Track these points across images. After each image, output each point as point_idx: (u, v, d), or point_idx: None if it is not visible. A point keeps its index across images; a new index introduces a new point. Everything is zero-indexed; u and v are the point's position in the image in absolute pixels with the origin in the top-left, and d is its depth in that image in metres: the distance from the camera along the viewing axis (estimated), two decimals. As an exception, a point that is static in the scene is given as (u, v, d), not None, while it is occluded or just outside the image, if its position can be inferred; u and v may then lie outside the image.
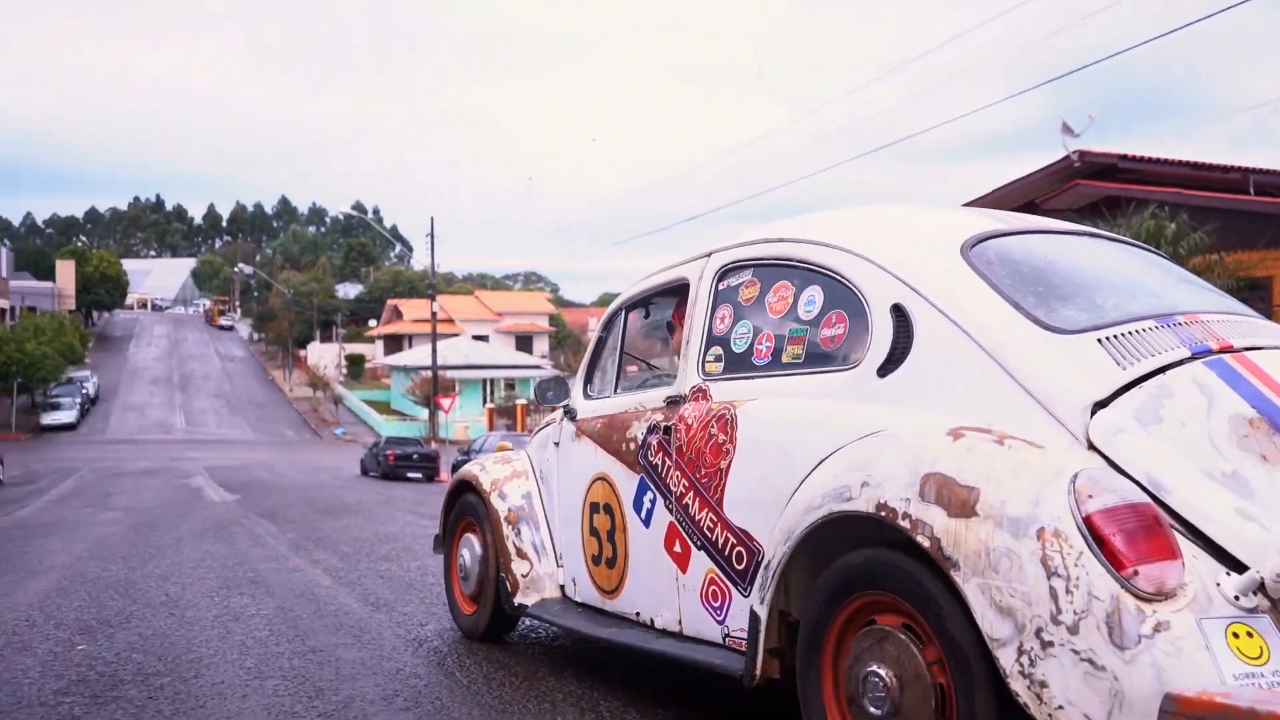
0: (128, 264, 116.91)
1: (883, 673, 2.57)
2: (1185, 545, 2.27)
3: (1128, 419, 2.50)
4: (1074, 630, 2.15)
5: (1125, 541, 2.20)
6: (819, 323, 3.25)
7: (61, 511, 18.43)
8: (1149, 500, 2.33)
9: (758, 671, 2.98)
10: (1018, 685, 2.22)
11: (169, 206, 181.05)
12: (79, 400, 54.70)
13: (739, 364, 3.55)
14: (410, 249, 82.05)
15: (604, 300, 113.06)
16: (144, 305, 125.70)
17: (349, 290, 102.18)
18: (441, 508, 5.41)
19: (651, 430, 3.80)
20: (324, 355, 77.50)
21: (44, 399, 53.87)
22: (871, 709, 2.59)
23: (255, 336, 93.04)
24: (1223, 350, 2.68)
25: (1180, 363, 2.62)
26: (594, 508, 4.22)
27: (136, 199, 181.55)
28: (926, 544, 2.42)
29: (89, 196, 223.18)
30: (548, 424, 4.80)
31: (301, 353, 79.39)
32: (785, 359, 3.36)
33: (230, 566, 8.87)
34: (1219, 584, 2.22)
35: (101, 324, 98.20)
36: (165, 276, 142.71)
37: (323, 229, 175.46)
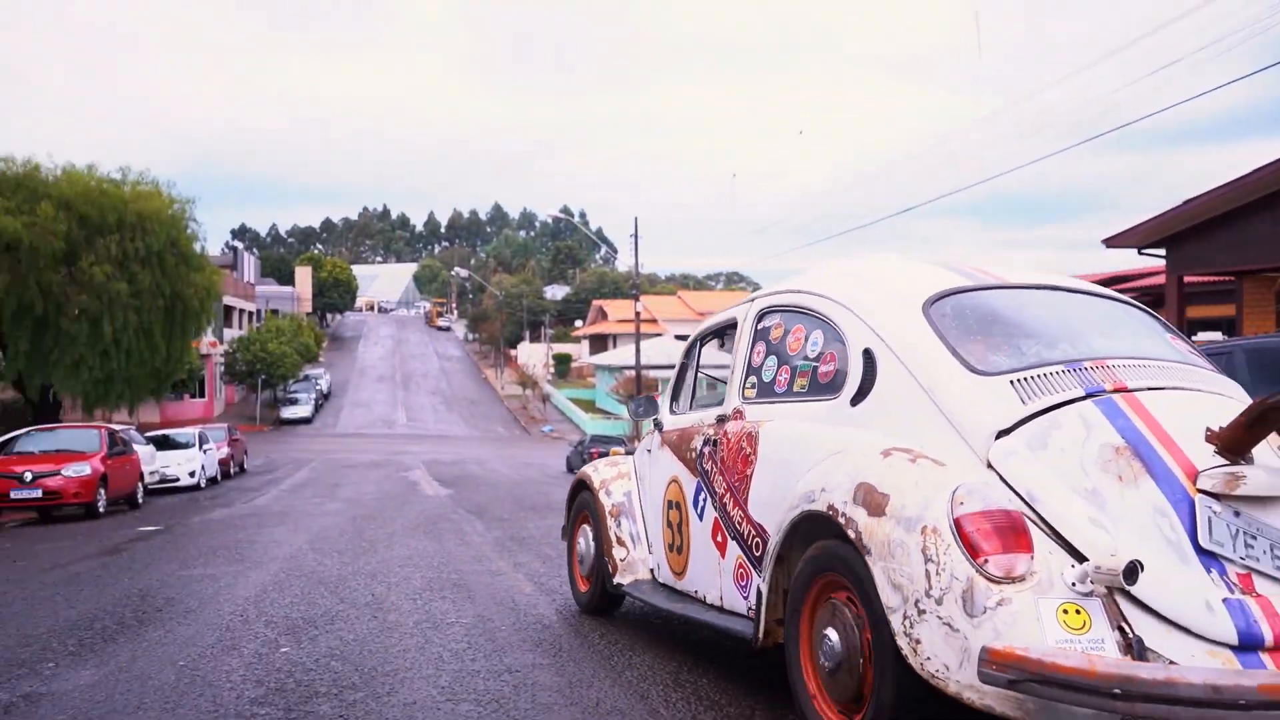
0: (357, 269, 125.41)
1: (833, 635, 3.36)
2: (1044, 542, 2.93)
3: (1020, 445, 3.19)
4: (940, 602, 2.88)
5: (982, 538, 2.90)
6: (819, 359, 4.04)
7: (292, 501, 19.52)
8: (1012, 508, 2.98)
9: (760, 636, 3.84)
10: (902, 642, 2.97)
11: (394, 215, 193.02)
12: (314, 396, 58.92)
13: (766, 390, 4.38)
14: (615, 251, 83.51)
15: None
16: (371, 308, 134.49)
17: (556, 292, 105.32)
18: (566, 501, 6.43)
19: (705, 442, 4.69)
20: (533, 355, 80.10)
21: (283, 394, 58.34)
22: (825, 663, 3.39)
23: (470, 337, 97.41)
24: (1116, 390, 3.31)
25: (1072, 400, 3.27)
26: (669, 504, 5.16)
27: (365, 209, 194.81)
28: (853, 536, 3.20)
29: (324, 208, 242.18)
30: (648, 434, 5.64)
31: (512, 352, 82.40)
32: (795, 388, 4.18)
33: (435, 566, 8.80)
34: (1063, 573, 2.86)
35: (334, 325, 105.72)
36: (390, 281, 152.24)
37: (532, 233, 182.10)
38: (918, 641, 2.94)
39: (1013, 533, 2.93)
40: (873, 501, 3.20)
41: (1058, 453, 3.17)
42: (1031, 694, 2.63)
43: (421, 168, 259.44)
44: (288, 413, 55.59)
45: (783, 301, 4.47)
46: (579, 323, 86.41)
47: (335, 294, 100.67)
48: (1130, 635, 2.79)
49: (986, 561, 2.89)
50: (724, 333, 5.20)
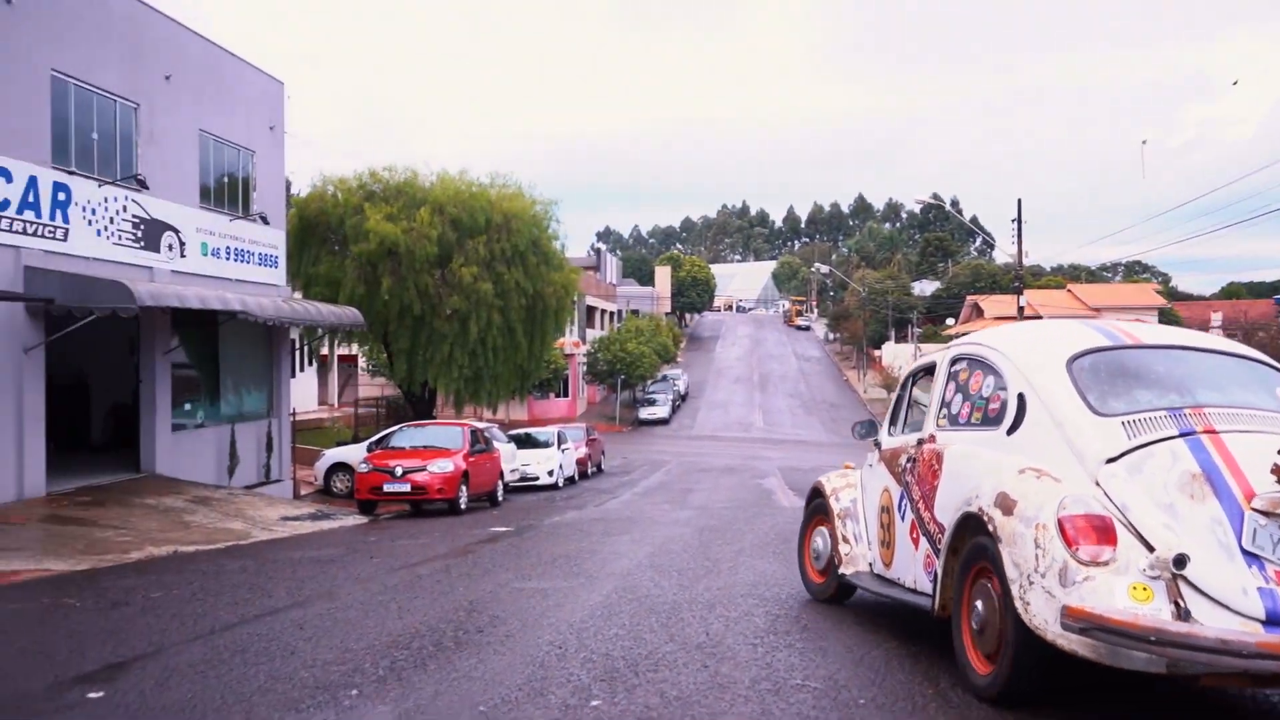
0: (715, 268, 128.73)
1: (980, 605, 4.82)
2: (1127, 540, 4.29)
3: (1121, 469, 4.57)
4: (1043, 576, 4.31)
5: (1076, 533, 4.30)
6: (990, 398, 5.53)
7: (642, 506, 19.56)
8: (1105, 514, 4.37)
9: (937, 606, 5.30)
10: (1018, 604, 4.38)
11: (752, 211, 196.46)
12: (671, 397, 60.74)
13: (953, 420, 5.88)
14: (992, 241, 78.50)
15: (1228, 292, 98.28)
16: (729, 307, 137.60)
17: (925, 287, 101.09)
18: (804, 505, 7.90)
19: (908, 459, 6.17)
20: (898, 355, 77.21)
21: (641, 395, 60.73)
22: (975, 625, 4.86)
23: (830, 336, 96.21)
24: (1205, 431, 4.63)
25: (1168, 439, 4.63)
26: (883, 509, 6.53)
27: (724, 206, 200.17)
28: (992, 530, 4.66)
29: (684, 207, 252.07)
30: (870, 451, 7.02)
31: (876, 352, 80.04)
32: (972, 419, 5.67)
33: (783, 600, 7.82)
34: (1138, 562, 4.21)
35: (692, 325, 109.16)
36: (748, 279, 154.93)
37: (898, 225, 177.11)
38: (1028, 604, 4.33)
39: (1100, 531, 4.30)
40: (1006, 504, 4.62)
41: (1149, 476, 4.50)
42: (1097, 639, 4.00)
43: (780, 163, 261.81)
44: (645, 413, 57.62)
45: (969, 352, 5.94)
46: (950, 321, 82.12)
47: (693, 293, 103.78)
48: (1182, 607, 4.06)
49: (1078, 550, 4.27)
50: (926, 373, 6.60)
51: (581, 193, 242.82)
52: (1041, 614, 4.26)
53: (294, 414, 24.21)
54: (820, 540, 7.48)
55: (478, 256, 27.05)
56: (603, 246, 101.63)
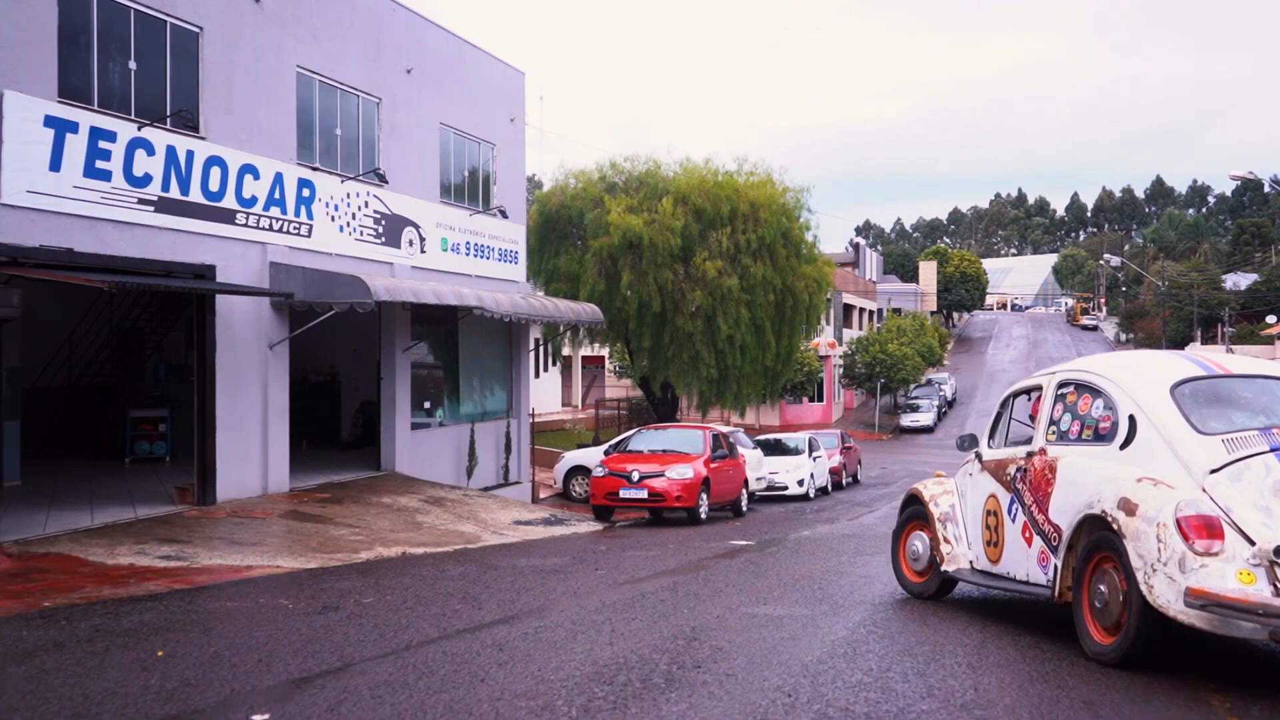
0: (987, 263, 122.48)
1: (1103, 589, 5.97)
2: (1233, 535, 5.44)
3: (1224, 478, 5.74)
4: (1165, 565, 5.45)
5: (1192, 530, 5.42)
6: (1100, 418, 6.71)
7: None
8: (1212, 514, 5.52)
9: (1056, 594, 6.53)
10: (1143, 588, 5.52)
11: (1030, 200, 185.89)
12: (936, 403, 57.82)
13: (1063, 436, 7.06)
14: (1325, 223, 69.70)
15: None
16: (1003, 305, 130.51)
17: (1239, 280, 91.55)
18: (899, 511, 9.06)
19: (1018, 469, 7.32)
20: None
21: (904, 400, 58.28)
22: (1097, 604, 6.02)
23: (1122, 336, 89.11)
24: None
25: (1261, 453, 5.84)
26: (988, 513, 7.77)
27: (997, 195, 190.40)
28: (1116, 528, 5.79)
29: (952, 198, 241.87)
30: (966, 462, 8.34)
31: (1177, 355, 73.11)
32: (1083, 435, 6.85)
33: (1049, 659, 6.53)
34: (1243, 553, 5.37)
35: (961, 325, 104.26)
36: (1024, 274, 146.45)
37: (1203, 210, 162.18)
38: (1151, 587, 5.57)
39: (1210, 528, 5.54)
40: (1129, 507, 5.87)
41: (1247, 483, 5.77)
42: (1213, 614, 5.23)
43: (1062, 146, 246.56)
44: (907, 420, 55.23)
45: (1076, 378, 7.20)
46: (1271, 319, 73.76)
47: (962, 290, 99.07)
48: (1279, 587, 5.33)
49: (1194, 543, 5.50)
50: (1030, 393, 7.82)
51: (836, 186, 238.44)
52: (1164, 595, 5.49)
53: (534, 415, 24.51)
54: (919, 543, 8.62)
55: (721, 249, 26.47)
56: (861, 240, 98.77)
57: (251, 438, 15.33)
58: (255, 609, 8.34)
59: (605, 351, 39.39)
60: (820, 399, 54.35)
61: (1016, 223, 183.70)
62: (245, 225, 15.16)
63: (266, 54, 15.64)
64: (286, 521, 14.00)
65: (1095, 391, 6.85)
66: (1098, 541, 6.11)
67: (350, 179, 17.39)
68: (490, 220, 21.77)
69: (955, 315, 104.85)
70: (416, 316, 19.33)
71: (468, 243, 21.04)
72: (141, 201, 13.34)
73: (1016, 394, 8.12)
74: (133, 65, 13.33)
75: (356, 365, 22.81)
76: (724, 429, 22.35)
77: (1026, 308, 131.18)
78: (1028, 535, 7.09)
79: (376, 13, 18.28)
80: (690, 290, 26.21)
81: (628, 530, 17.07)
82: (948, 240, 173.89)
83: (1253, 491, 5.69)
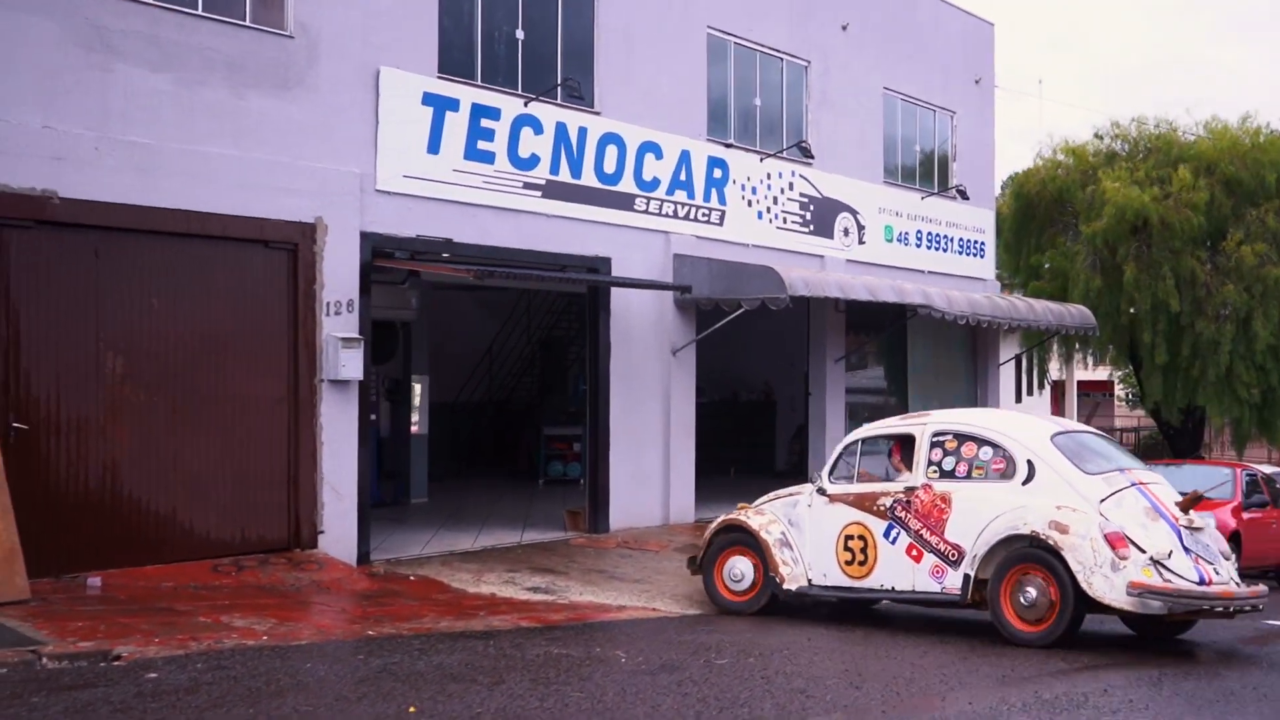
0: None
1: (1030, 589, 8.80)
2: (1133, 546, 8.57)
3: (1111, 505, 8.85)
4: (1100, 567, 8.48)
5: (1114, 542, 8.50)
6: (990, 461, 9.39)
7: None
8: (1121, 531, 8.61)
9: (969, 599, 9.16)
10: (1084, 584, 8.48)
11: None
12: None
13: (947, 475, 9.58)
14: None
15: None
16: None
17: None
18: (705, 542, 10.92)
19: (896, 501, 9.70)
20: None
21: None
22: (1023, 602, 8.82)
23: None
24: (1138, 483, 9.13)
25: (1127, 487, 9.05)
26: (848, 537, 9.96)
27: None
28: (1052, 544, 8.67)
29: None
30: (789, 495, 10.76)
31: None
32: (975, 475, 9.44)
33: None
34: (1140, 558, 8.52)
35: None
36: None
37: None
38: (1091, 584, 8.38)
39: (1123, 540, 8.44)
40: (1061, 528, 8.61)
41: (1127, 509, 8.78)
42: (1141, 598, 8.28)
43: None
44: None
45: (953, 430, 9.73)
46: None
47: None
48: (1166, 577, 8.37)
49: (1118, 551, 8.39)
50: (880, 440, 10.48)
51: None
52: (1102, 589, 8.37)
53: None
54: (742, 566, 10.47)
55: (1264, 230, 22.38)
56: None
57: (651, 458, 14.85)
58: (580, 659, 7.58)
59: (1108, 373, 35.50)
60: None
61: None
62: (645, 212, 14.78)
63: (671, 14, 15.23)
64: (681, 557, 13.26)
65: (981, 441, 9.46)
66: (1021, 555, 8.86)
67: (771, 156, 16.53)
68: (947, 204, 19.98)
69: None
70: (853, 320, 18.05)
71: (918, 232, 19.43)
72: (527, 186, 13.31)
73: (866, 439, 10.43)
74: (520, 34, 13.37)
75: (795, 383, 21.95)
76: (1267, 469, 18.68)
77: None
78: (915, 554, 9.48)
79: (803, -40, 17.34)
80: (1218, 285, 22.37)
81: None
82: None
83: (1132, 514, 8.75)
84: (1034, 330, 21.03)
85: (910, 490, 9.57)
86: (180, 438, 10.21)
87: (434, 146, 12.37)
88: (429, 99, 12.31)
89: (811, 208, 17.31)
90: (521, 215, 13.27)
